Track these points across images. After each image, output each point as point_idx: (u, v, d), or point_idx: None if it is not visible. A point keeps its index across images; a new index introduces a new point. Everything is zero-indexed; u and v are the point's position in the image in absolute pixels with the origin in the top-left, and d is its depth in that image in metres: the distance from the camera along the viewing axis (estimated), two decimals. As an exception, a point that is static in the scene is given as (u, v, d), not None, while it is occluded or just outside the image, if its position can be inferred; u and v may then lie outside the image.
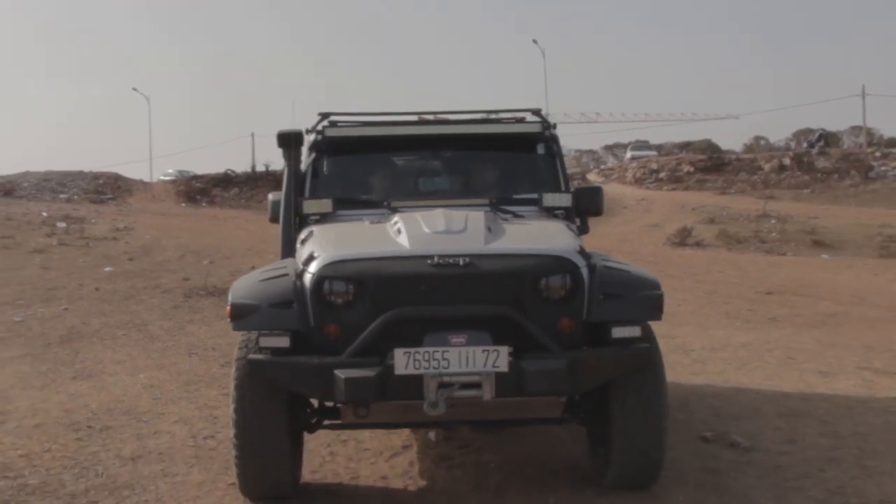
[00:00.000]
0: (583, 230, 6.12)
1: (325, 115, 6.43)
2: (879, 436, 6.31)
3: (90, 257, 19.26)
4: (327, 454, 6.17)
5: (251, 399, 4.75)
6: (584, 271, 4.79)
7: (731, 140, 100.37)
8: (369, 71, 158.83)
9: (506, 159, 6.56)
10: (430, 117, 6.87)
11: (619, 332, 4.71)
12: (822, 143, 51.13)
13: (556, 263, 4.75)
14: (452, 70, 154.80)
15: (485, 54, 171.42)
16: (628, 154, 59.65)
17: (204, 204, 44.80)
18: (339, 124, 6.47)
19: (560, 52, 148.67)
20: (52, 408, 7.30)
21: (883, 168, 43.03)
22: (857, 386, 7.93)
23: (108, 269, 17.36)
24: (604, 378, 4.78)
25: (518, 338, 4.55)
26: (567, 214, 6.02)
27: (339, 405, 4.90)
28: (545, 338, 4.58)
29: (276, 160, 67.68)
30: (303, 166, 6.22)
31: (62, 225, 26.65)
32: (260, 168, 49.80)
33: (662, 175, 46.81)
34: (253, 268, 15.45)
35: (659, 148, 67.83)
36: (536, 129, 6.42)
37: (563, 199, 5.99)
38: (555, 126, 6.48)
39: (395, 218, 5.34)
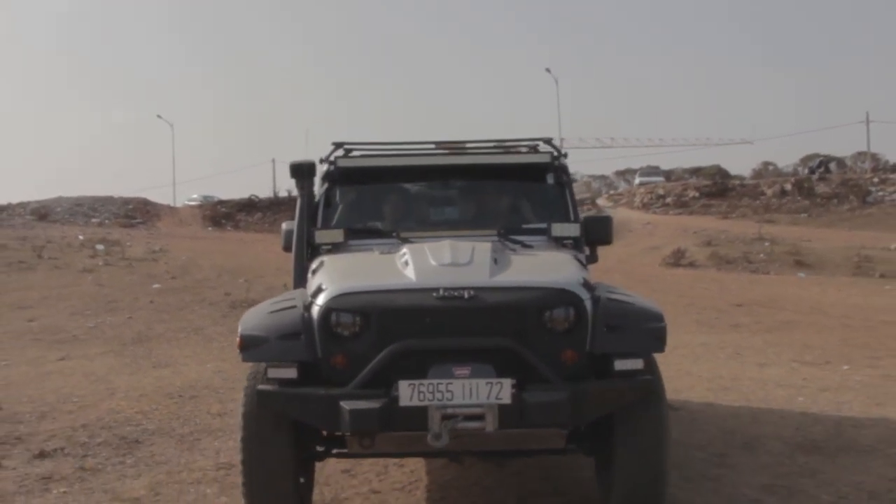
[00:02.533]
0: (591, 259, 6.24)
1: (338, 145, 6.56)
2: (779, 402, 8.26)
3: (136, 276, 21.30)
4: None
5: (259, 429, 4.79)
6: (588, 303, 4.80)
7: (742, 165, 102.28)
8: (389, 93, 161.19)
9: (515, 189, 6.64)
10: (441, 148, 6.94)
11: (621, 365, 4.72)
12: (822, 169, 52.97)
13: (560, 296, 4.77)
14: (471, 94, 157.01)
15: (504, 79, 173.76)
16: (637, 180, 61.54)
17: (229, 228, 46.90)
18: (352, 154, 6.61)
19: (579, 75, 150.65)
20: (146, 385, 9.34)
21: (881, 193, 44.71)
22: (783, 373, 9.83)
23: (156, 285, 19.40)
24: (606, 410, 4.77)
25: (521, 370, 4.56)
26: (576, 244, 6.07)
27: (345, 435, 4.90)
28: (547, 370, 4.58)
29: (297, 186, 69.81)
30: (316, 195, 6.31)
31: (100, 247, 28.70)
32: (282, 194, 51.99)
33: (669, 200, 48.57)
34: (285, 286, 17.62)
35: (669, 173, 69.58)
36: (546, 158, 6.48)
37: (571, 229, 6.04)
38: (565, 155, 6.56)
39: (404, 249, 5.38)
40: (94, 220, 45.50)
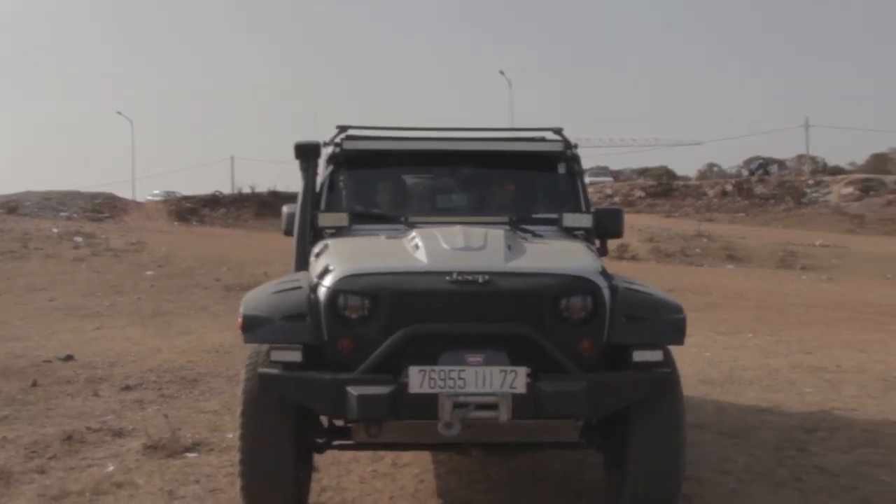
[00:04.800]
0: (601, 252, 6.01)
1: (343, 128, 6.38)
2: (690, 356, 10.46)
3: (124, 264, 23.11)
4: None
5: (259, 415, 4.62)
6: (606, 292, 4.67)
7: (690, 166, 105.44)
8: (344, 93, 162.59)
9: (526, 178, 6.47)
10: (451, 133, 6.64)
11: (640, 356, 4.58)
12: (761, 171, 55.82)
13: (578, 284, 4.64)
14: (425, 96, 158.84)
15: (457, 81, 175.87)
16: (586, 180, 63.83)
17: (194, 223, 48.19)
18: (358, 137, 6.42)
19: (532, 77, 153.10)
20: (182, 345, 11.39)
21: (815, 195, 47.52)
22: (699, 339, 12.03)
23: (149, 272, 21.28)
24: (623, 402, 4.63)
25: (536, 358, 4.42)
26: (587, 235, 5.92)
27: (350, 424, 4.79)
28: (564, 359, 4.45)
29: (259, 182, 71.04)
30: (319, 179, 6.13)
31: (79, 239, 30.38)
32: (246, 189, 53.74)
33: (616, 199, 50.92)
34: (266, 274, 19.89)
35: (618, 173, 71.99)
36: (558, 147, 6.33)
37: (583, 220, 5.91)
38: (576, 146, 6.40)
39: (413, 233, 5.22)
40: (62, 214, 46.67)
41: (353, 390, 4.27)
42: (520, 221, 5.79)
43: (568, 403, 4.32)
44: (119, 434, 6.97)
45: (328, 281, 4.61)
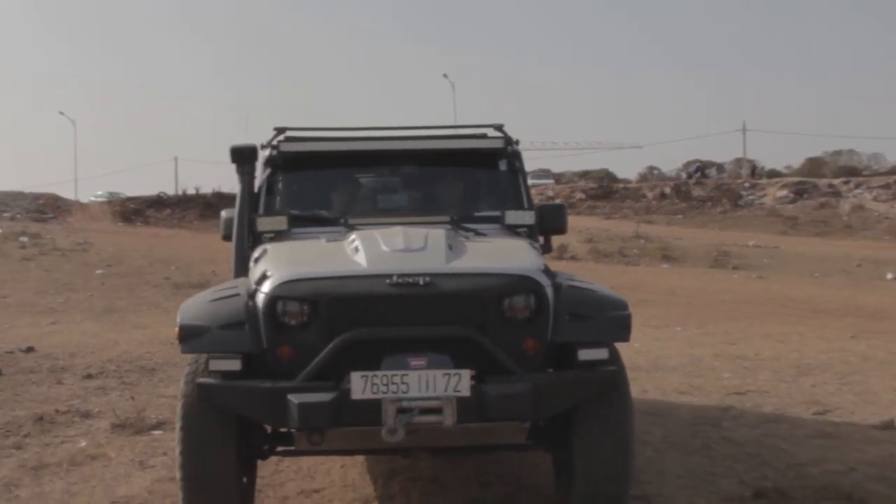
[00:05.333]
0: (546, 249, 6.03)
1: (280, 130, 6.28)
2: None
3: (73, 264, 23.47)
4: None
5: (199, 425, 4.54)
6: (549, 291, 4.64)
7: (631, 169, 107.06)
8: (287, 100, 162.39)
9: (467, 175, 6.40)
10: (390, 133, 6.54)
11: (585, 355, 4.54)
12: (699, 174, 57.05)
13: (520, 283, 4.59)
14: (365, 99, 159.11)
15: (397, 83, 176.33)
16: (529, 182, 64.65)
17: (139, 223, 48.26)
18: (295, 139, 6.31)
19: (475, 80, 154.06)
20: (138, 338, 11.87)
21: (750, 197, 48.73)
22: (631, 332, 12.82)
23: (98, 271, 21.67)
24: (570, 402, 4.57)
25: (480, 360, 4.36)
26: (530, 232, 5.86)
27: (292, 431, 4.65)
28: (508, 360, 4.40)
29: (204, 183, 71.05)
30: (257, 182, 6.04)
31: (24, 239, 30.58)
32: (191, 191, 53.91)
33: (557, 201, 51.68)
34: (214, 273, 20.36)
35: (560, 176, 72.91)
36: (499, 144, 6.23)
37: (526, 217, 5.82)
38: (517, 142, 6.32)
39: (353, 236, 5.15)
40: (5, 214, 46.66)
41: (294, 398, 4.22)
42: (462, 220, 5.72)
43: (513, 406, 4.29)
44: (87, 416, 7.49)
45: (266, 287, 4.55)
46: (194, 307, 4.64)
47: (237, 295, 4.66)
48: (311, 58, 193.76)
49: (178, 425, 4.61)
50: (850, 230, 39.49)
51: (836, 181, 48.42)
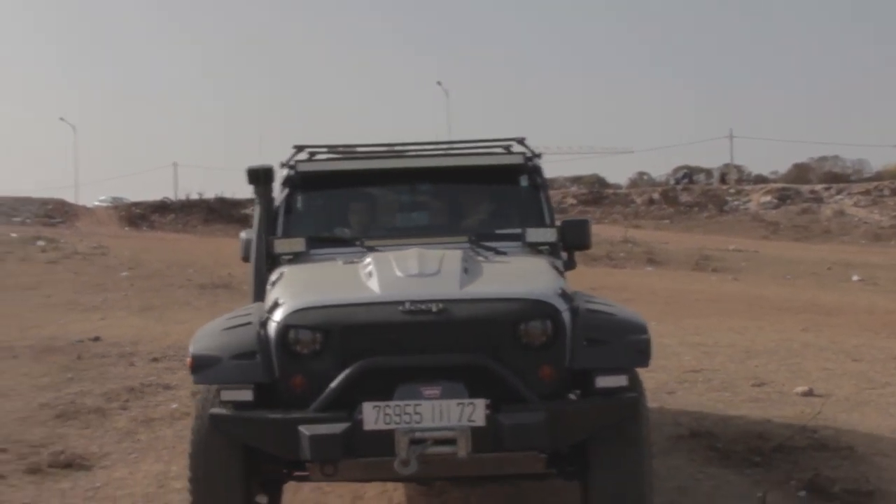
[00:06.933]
0: (569, 265, 5.95)
1: (299, 148, 6.25)
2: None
3: (96, 267, 24.87)
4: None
5: (211, 456, 4.57)
6: (566, 315, 4.55)
7: (622, 174, 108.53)
8: (286, 107, 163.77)
9: (487, 192, 6.32)
10: (410, 149, 6.57)
11: (603, 382, 4.46)
12: (686, 180, 58.95)
13: (536, 308, 4.51)
14: (358, 107, 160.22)
15: (390, 91, 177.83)
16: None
17: (145, 228, 49.53)
18: (314, 157, 6.29)
19: (467, 86, 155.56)
20: (184, 331, 13.50)
21: (736, 203, 50.48)
22: (612, 326, 14.60)
23: (123, 273, 23.16)
24: (587, 431, 4.49)
25: (495, 388, 4.29)
26: (552, 250, 5.76)
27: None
28: (524, 389, 4.33)
29: (201, 187, 72.38)
30: (276, 201, 6.03)
31: (41, 243, 31.96)
32: (193, 195, 55.36)
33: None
34: (230, 274, 21.97)
35: (552, 181, 74.55)
36: (519, 160, 6.16)
37: (547, 235, 5.75)
38: (539, 156, 6.29)
39: (368, 259, 5.11)
40: (15, 219, 47.88)
41: (306, 430, 4.21)
42: (481, 238, 5.68)
43: (529, 435, 4.22)
44: (168, 387, 9.31)
45: (278, 315, 4.56)
46: (207, 336, 4.71)
47: (249, 324, 4.69)
48: (308, 63, 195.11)
49: (188, 452, 4.72)
50: (828, 235, 41.22)
51: (818, 187, 50.11)
